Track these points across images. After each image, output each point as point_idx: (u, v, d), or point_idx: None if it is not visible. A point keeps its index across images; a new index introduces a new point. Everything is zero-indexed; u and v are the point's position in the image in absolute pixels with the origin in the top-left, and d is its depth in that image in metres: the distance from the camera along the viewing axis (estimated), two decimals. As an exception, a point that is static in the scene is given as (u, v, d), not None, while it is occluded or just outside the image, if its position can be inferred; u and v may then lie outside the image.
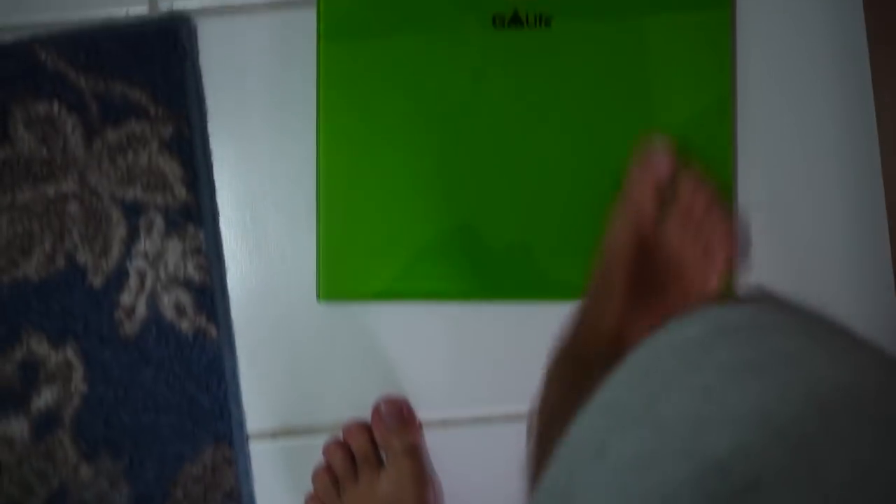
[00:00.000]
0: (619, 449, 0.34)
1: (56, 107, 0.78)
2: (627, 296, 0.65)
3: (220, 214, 0.78)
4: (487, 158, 0.75)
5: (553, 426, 0.60)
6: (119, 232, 0.78)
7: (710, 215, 0.68)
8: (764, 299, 0.41)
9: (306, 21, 0.76)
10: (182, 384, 0.75)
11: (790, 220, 0.77)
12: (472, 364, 0.76)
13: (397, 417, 0.73)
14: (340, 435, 0.74)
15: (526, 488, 0.56)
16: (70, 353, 0.76)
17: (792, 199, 0.77)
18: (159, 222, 0.78)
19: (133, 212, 0.78)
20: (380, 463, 0.73)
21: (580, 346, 0.65)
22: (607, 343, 0.64)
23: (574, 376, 0.63)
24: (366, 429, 0.73)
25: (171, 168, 0.77)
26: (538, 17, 0.75)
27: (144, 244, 0.77)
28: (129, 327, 0.76)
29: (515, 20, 0.75)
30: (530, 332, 0.74)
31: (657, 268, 0.67)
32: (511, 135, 0.74)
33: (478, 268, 0.73)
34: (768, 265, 0.76)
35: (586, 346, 0.65)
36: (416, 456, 0.73)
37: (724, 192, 0.72)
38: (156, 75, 0.78)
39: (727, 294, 0.70)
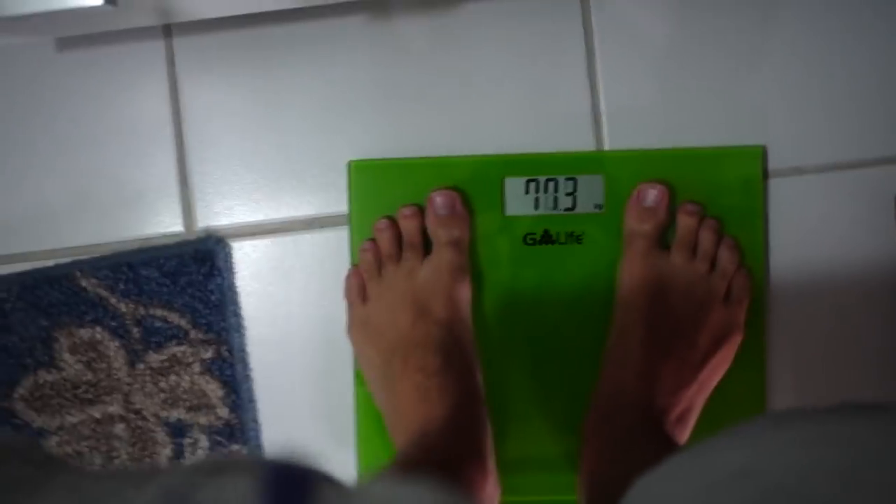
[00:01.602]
0: None
1: (99, 332, 0.78)
2: (649, 339, 0.64)
3: (262, 432, 0.77)
4: (519, 372, 0.74)
5: (595, 489, 0.60)
6: (165, 451, 0.78)
7: (731, 259, 0.67)
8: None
9: (340, 239, 0.74)
10: None
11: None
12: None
13: (449, 208, 0.70)
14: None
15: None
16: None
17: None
18: (203, 441, 0.78)
19: (178, 432, 0.78)
20: (425, 251, 0.70)
21: (611, 404, 0.65)
22: (636, 394, 0.63)
23: (611, 435, 0.63)
24: (418, 215, 0.70)
25: (212, 389, 0.77)
26: (570, 235, 0.73)
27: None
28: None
29: (546, 239, 0.73)
30: None
31: (678, 313, 0.66)
32: (541, 344, 0.73)
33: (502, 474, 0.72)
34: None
35: (617, 402, 0.64)
36: (458, 249, 0.69)
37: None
38: (194, 300, 0.77)
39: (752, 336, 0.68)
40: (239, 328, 0.77)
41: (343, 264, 0.75)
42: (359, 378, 0.73)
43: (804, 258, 0.73)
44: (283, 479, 0.31)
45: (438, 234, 0.69)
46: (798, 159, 0.73)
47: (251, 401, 0.77)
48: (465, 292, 0.69)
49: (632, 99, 0.72)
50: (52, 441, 0.78)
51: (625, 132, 0.73)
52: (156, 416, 0.78)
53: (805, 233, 0.74)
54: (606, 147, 0.73)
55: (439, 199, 0.70)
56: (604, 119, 0.73)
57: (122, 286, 0.77)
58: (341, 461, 0.74)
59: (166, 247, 0.77)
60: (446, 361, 0.64)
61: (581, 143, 0.73)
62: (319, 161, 0.74)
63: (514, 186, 0.72)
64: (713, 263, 0.69)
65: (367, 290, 0.70)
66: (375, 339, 0.68)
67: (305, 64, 0.73)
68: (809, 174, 0.73)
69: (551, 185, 0.72)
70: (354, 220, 0.73)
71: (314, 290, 0.76)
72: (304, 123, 0.74)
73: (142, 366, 0.78)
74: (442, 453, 0.61)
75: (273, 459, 0.33)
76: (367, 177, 0.73)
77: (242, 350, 0.77)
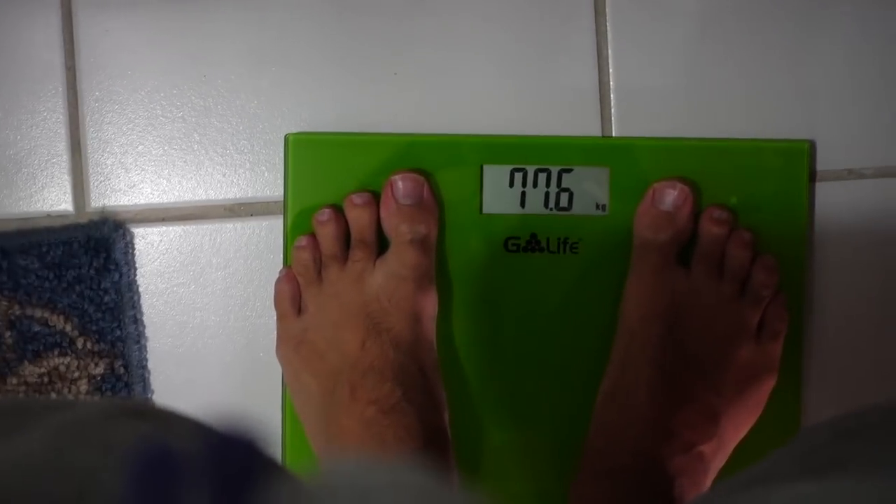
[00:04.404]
0: None
1: (-39, 334, 0.65)
2: (658, 381, 0.61)
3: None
4: (495, 412, 0.68)
5: None
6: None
7: (767, 282, 0.63)
8: None
9: (272, 232, 0.66)
10: None
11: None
12: None
13: (414, 197, 0.63)
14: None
15: None
16: None
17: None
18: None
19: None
20: (379, 250, 0.64)
21: (606, 461, 0.62)
22: (638, 451, 0.60)
23: (604, 501, 0.60)
24: (372, 204, 0.63)
25: (102, 413, 0.64)
26: (563, 242, 0.66)
27: None
28: None
29: (533, 245, 0.66)
30: None
31: (696, 348, 0.62)
32: (523, 378, 0.67)
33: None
34: None
35: (613, 459, 0.61)
36: (424, 250, 0.62)
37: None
38: (83, 300, 0.65)
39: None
40: (138, 338, 0.66)
41: (274, 264, 0.66)
42: (289, 410, 0.66)
43: (855, 282, 0.68)
44: (237, 452, 0.28)
45: (399, 229, 0.62)
46: (851, 160, 0.68)
47: (150, 430, 0.64)
48: (429, 305, 0.63)
49: (649, 75, 0.66)
50: None
51: (638, 116, 0.67)
52: (29, 443, 0.63)
53: (857, 250, 0.68)
54: (614, 133, 0.66)
55: (402, 185, 0.63)
56: (612, 98, 0.66)
57: (-9, 278, 0.65)
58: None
59: (50, 230, 0.66)
60: (406, 393, 0.60)
61: (582, 126, 0.66)
62: (250, 132, 0.66)
63: (495, 177, 0.65)
64: (744, 286, 0.63)
65: (303, 299, 0.64)
66: (313, 361, 0.63)
67: (239, 7, 0.66)
68: (865, 178, 0.68)
69: (542, 177, 0.65)
70: (291, 207, 0.65)
71: (236, 294, 0.67)
72: (232, 83, 0.65)
73: (14, 380, 0.66)
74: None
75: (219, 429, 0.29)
76: (309, 154, 0.65)
77: (142, 366, 0.66)
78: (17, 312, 0.66)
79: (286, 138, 0.65)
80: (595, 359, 0.65)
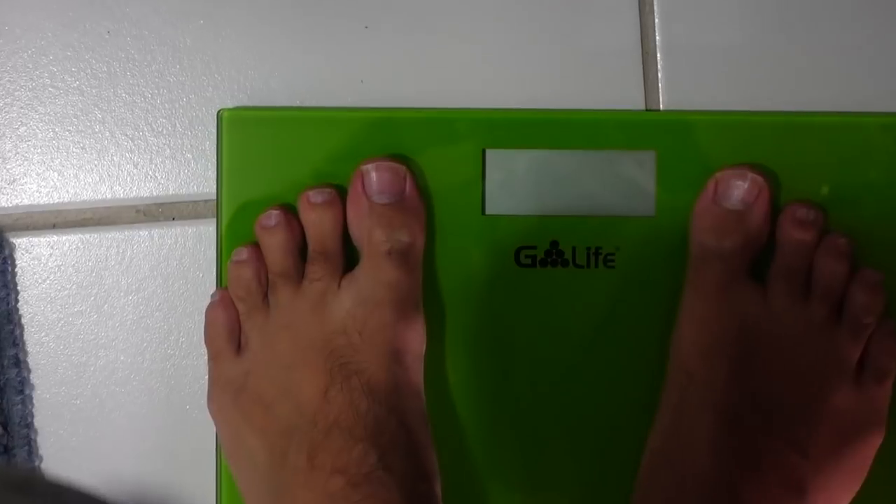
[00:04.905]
0: None
1: None
2: (724, 437, 0.56)
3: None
4: (503, 477, 0.61)
5: None
6: None
7: (870, 305, 0.58)
8: None
9: (201, 241, 0.60)
10: None
11: None
12: None
13: (393, 193, 0.57)
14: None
15: None
16: None
17: None
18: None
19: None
20: (344, 262, 0.58)
21: None
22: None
23: None
24: (335, 203, 0.58)
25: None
26: (595, 253, 0.58)
27: None
28: None
29: (555, 258, 0.59)
30: None
31: (776, 391, 0.57)
32: (540, 435, 0.61)
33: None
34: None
35: None
36: (407, 265, 0.57)
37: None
38: None
39: None
40: (21, 387, 0.57)
41: (205, 285, 0.59)
42: (226, 481, 0.59)
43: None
44: None
45: (373, 237, 0.56)
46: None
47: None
48: (414, 339, 0.57)
49: (706, 30, 0.60)
50: None
51: (693, 83, 0.60)
52: None
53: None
54: (662, 105, 0.59)
55: (377, 177, 0.57)
56: (658, 60, 0.59)
57: None
58: None
59: None
60: (383, 458, 0.55)
61: (620, 97, 0.60)
62: (170, 107, 0.59)
63: (502, 165, 0.58)
64: (839, 310, 0.57)
65: (243, 332, 0.57)
66: (258, 416, 0.56)
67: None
68: None
69: (566, 165, 0.58)
70: (226, 208, 0.57)
71: (153, 326, 0.59)
72: (146, 41, 0.58)
73: None
74: None
75: None
76: (251, 136, 0.57)
77: (26, 424, 0.58)
78: None
79: (219, 115, 0.57)
80: (638, 408, 0.58)
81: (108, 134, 0.56)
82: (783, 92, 0.58)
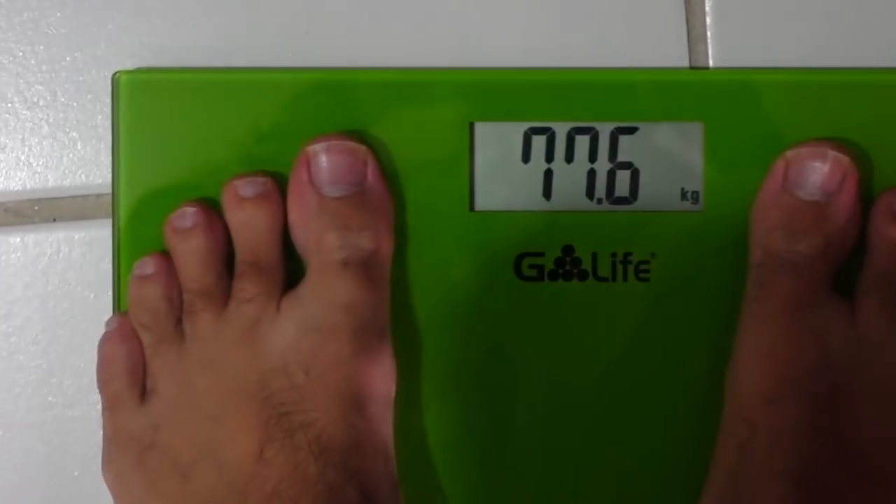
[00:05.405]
0: None
1: None
2: (799, 497, 0.48)
3: None
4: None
5: None
6: None
7: None
8: None
9: (93, 249, 0.52)
10: None
11: None
12: None
13: (350, 182, 0.51)
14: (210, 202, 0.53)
15: None
16: None
17: None
18: None
19: None
20: (286, 279, 0.52)
21: None
22: None
23: None
24: (272, 197, 0.51)
25: None
26: (623, 261, 0.50)
27: None
28: None
29: (569, 268, 0.50)
30: None
31: (869, 437, 0.50)
32: (559, 470, 0.53)
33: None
34: None
35: None
36: (371, 280, 0.51)
37: None
38: None
39: None
40: None
41: (98, 308, 0.50)
42: None
43: None
44: None
45: (324, 242, 0.49)
46: None
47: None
48: (380, 379, 0.50)
49: None
50: None
51: (750, 36, 0.51)
52: None
53: None
54: (711, 63, 0.52)
55: (328, 160, 0.50)
56: (707, 6, 0.51)
57: None
58: None
59: None
60: None
61: (656, 53, 0.51)
62: (49, 70, 0.50)
63: (496, 143, 0.50)
64: None
65: (149, 372, 0.50)
66: (169, 484, 0.49)
67: None
68: None
69: (583, 142, 0.50)
70: (124, 204, 0.50)
71: (29, 365, 0.51)
72: None
73: None
74: None
75: None
76: (156, 106, 0.49)
77: None
78: None
79: (114, 79, 0.49)
80: (682, 472, 0.49)
81: (-29, 109, 0.47)
82: (867, 46, 0.48)
